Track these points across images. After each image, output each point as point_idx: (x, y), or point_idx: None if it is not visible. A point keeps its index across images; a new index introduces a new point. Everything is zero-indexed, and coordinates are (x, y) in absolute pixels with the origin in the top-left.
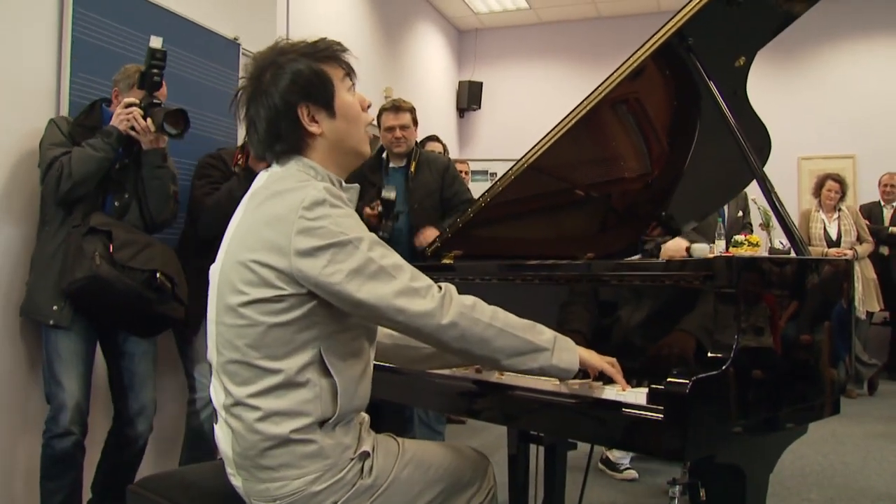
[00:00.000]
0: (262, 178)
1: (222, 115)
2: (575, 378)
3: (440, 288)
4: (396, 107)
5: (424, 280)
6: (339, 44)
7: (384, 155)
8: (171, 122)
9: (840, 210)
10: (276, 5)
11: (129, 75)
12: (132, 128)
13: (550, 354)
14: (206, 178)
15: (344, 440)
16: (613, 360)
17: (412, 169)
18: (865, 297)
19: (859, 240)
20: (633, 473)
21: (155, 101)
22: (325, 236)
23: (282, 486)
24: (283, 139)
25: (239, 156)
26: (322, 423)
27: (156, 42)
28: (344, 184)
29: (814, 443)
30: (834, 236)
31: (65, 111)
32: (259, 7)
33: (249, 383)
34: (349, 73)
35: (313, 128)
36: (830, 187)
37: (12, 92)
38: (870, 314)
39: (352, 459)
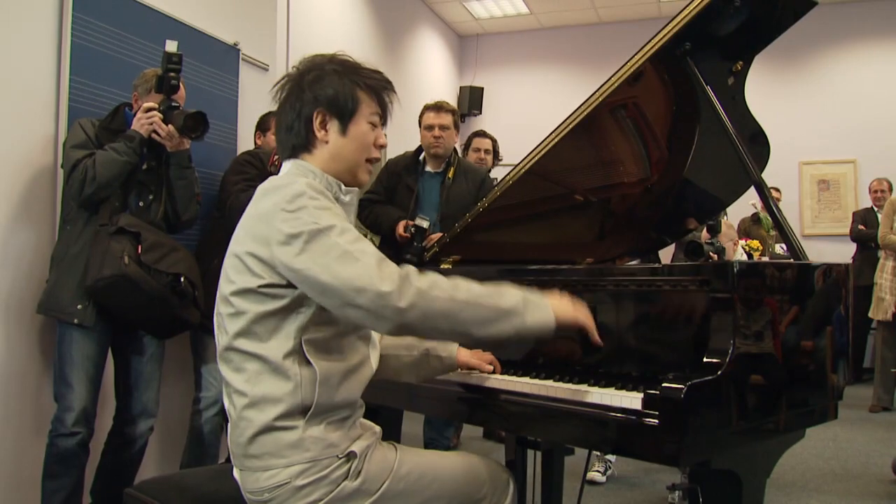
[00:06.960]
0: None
1: (222, 120)
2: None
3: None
4: (439, 106)
5: (388, 265)
6: (389, 84)
7: (421, 157)
8: (190, 126)
9: None
10: (277, 11)
11: (147, 80)
12: (155, 132)
13: (522, 316)
14: (242, 175)
15: (329, 437)
16: (587, 311)
17: (449, 175)
18: None
19: None
20: (596, 476)
21: (174, 104)
22: (300, 225)
23: (269, 477)
24: (294, 133)
25: (275, 156)
26: (304, 413)
27: (171, 46)
28: (343, 187)
29: (815, 448)
30: None
31: (64, 116)
32: (259, 13)
33: (240, 370)
34: (382, 113)
35: (321, 134)
36: None
37: (11, 96)
38: None
39: (338, 458)
